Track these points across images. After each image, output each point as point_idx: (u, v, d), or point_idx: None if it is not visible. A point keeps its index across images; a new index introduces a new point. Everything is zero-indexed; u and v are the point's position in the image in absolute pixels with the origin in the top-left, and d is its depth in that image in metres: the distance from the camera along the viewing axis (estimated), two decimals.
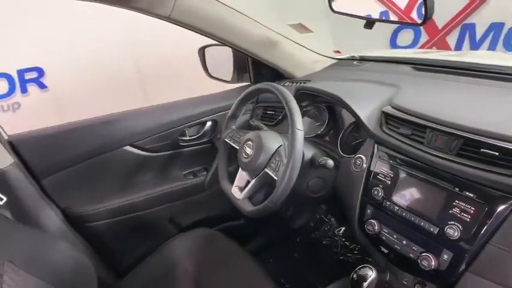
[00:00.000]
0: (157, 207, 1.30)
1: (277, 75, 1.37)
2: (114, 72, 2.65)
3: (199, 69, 1.56)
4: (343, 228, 1.64)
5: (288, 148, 0.84)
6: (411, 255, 0.75)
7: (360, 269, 0.76)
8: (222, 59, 1.50)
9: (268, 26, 1.20)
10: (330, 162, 0.93)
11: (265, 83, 0.99)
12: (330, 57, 1.40)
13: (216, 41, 1.18)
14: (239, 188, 1.02)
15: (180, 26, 1.05)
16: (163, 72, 2.58)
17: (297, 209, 1.66)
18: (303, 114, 1.27)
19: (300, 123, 0.85)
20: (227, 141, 1.09)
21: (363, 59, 1.36)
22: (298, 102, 1.22)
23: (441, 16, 2.49)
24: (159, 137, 1.27)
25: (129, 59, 2.72)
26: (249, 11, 1.12)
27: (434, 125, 0.75)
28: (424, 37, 2.63)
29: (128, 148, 1.23)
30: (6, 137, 1.06)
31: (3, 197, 0.99)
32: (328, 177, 1.03)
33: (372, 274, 0.74)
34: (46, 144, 1.13)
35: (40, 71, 2.69)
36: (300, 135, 0.84)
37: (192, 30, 1.09)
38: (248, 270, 1.09)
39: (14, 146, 1.07)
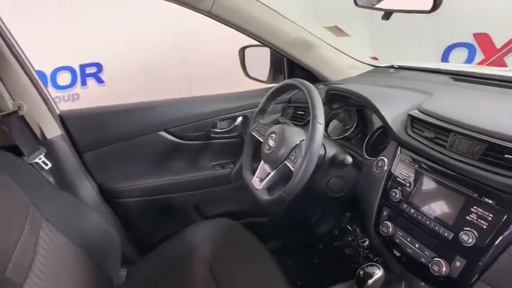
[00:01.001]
0: (184, 193, 1.35)
1: (311, 77, 1.38)
2: (164, 71, 2.80)
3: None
4: (367, 241, 1.60)
5: (307, 140, 0.85)
6: (423, 259, 0.72)
7: (367, 266, 0.74)
8: (260, 59, 1.54)
9: (305, 28, 1.22)
10: (348, 158, 0.93)
11: (293, 79, 1.00)
12: (366, 64, 1.39)
13: (253, 38, 1.22)
14: (259, 179, 1.04)
15: (219, 21, 1.10)
16: (210, 73, 2.66)
17: (322, 214, 1.64)
18: (333, 117, 1.27)
19: (321, 117, 0.85)
20: (253, 134, 1.12)
21: (400, 68, 1.33)
22: (329, 104, 1.24)
23: (500, 35, 2.35)
24: (192, 126, 1.33)
25: (179, 59, 2.86)
26: (287, 11, 1.15)
27: (457, 129, 0.73)
28: (479, 55, 2.50)
29: (163, 133, 1.30)
30: (57, 112, 1.18)
31: (48, 163, 1.09)
32: (349, 178, 1.02)
33: (378, 272, 0.72)
34: (91, 122, 1.24)
35: (99, 67, 2.92)
36: (320, 128, 0.84)
37: (230, 27, 1.14)
38: (264, 266, 1.09)
39: (63, 120, 1.18)
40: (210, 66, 2.67)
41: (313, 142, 0.83)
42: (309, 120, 1.29)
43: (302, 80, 0.97)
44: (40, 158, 1.07)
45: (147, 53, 2.75)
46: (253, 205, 1.51)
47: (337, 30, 1.25)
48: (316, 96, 0.88)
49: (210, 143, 1.39)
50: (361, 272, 0.73)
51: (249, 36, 1.21)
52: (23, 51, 1.05)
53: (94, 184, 1.25)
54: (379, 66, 1.39)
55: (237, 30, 1.17)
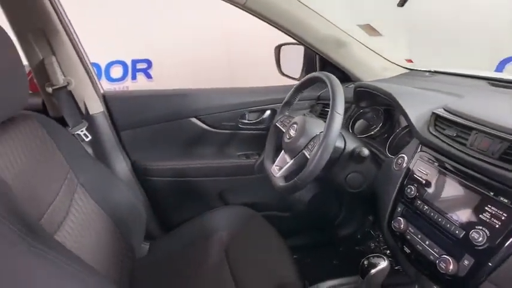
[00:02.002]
0: (209, 178, 1.40)
1: (344, 77, 1.38)
2: (210, 71, 2.89)
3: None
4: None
5: (324, 129, 0.85)
6: (431, 257, 0.70)
7: (372, 256, 0.73)
8: (295, 57, 1.56)
9: (338, 25, 1.22)
10: (365, 151, 0.92)
11: (319, 72, 1.01)
12: (401, 66, 1.36)
13: (286, 33, 1.24)
14: (279, 168, 1.05)
15: (253, 15, 1.14)
16: (254, 74, 2.70)
17: (347, 217, 1.62)
18: (361, 116, 1.26)
19: (340, 108, 0.86)
20: (277, 125, 1.14)
21: (436, 72, 1.29)
22: (357, 102, 1.23)
23: None
24: (222, 115, 1.38)
25: (225, 60, 2.94)
26: (321, 8, 1.16)
27: (479, 127, 0.70)
28: None
29: (194, 120, 1.36)
30: (101, 91, 1.28)
31: (89, 136, 1.18)
32: (368, 174, 1.00)
33: (383, 263, 0.70)
34: (131, 103, 1.32)
35: (149, 63, 3.08)
36: (338, 118, 0.84)
37: (264, 21, 1.17)
38: (278, 256, 1.11)
39: (106, 99, 1.28)
40: (255, 66, 2.71)
41: (329, 131, 0.83)
42: None
43: (327, 73, 0.98)
44: (82, 131, 1.17)
45: (194, 53, 2.85)
46: (276, 198, 1.53)
47: (370, 29, 1.24)
48: (338, 89, 0.89)
49: (237, 133, 1.43)
50: (366, 262, 0.72)
51: (282, 32, 1.23)
52: (76, 33, 1.16)
53: (128, 161, 1.33)
54: (415, 70, 1.35)
55: (271, 24, 1.19)
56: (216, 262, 1.12)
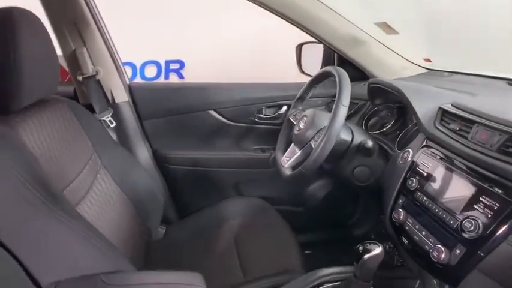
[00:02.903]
0: (225, 169, 1.45)
1: (362, 76, 1.39)
2: (240, 74, 2.95)
3: None
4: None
5: (329, 120, 0.88)
6: (426, 246, 0.71)
7: (368, 243, 0.74)
8: (315, 56, 1.59)
9: (355, 23, 1.24)
10: (369, 142, 0.94)
11: (330, 66, 1.04)
12: (420, 66, 1.35)
13: (303, 31, 1.27)
14: (288, 159, 1.09)
15: (271, 12, 1.18)
16: (284, 78, 2.74)
17: (361, 216, 1.61)
18: (375, 114, 1.27)
19: (345, 100, 0.88)
20: (290, 118, 1.18)
21: (455, 72, 1.27)
22: (372, 99, 1.24)
23: None
24: (239, 109, 1.43)
25: (255, 63, 2.99)
26: (338, 6, 1.18)
27: (480, 120, 0.71)
28: None
29: (213, 112, 1.42)
30: (127, 82, 1.37)
31: (114, 122, 1.27)
32: (375, 168, 1.02)
33: (377, 249, 0.72)
34: (154, 94, 1.41)
35: (182, 64, 3.19)
36: (343, 110, 0.87)
37: (282, 18, 1.21)
38: (286, 249, 1.13)
39: (131, 89, 1.37)
40: (286, 68, 2.74)
41: (333, 122, 0.86)
42: (351, 113, 1.33)
43: (338, 67, 1.00)
44: (107, 117, 1.26)
45: (225, 54, 2.92)
46: (290, 193, 1.56)
47: (387, 27, 1.24)
48: (345, 82, 0.91)
49: (254, 127, 1.47)
50: (361, 248, 0.74)
51: (300, 29, 1.27)
52: (105, 26, 1.25)
53: (149, 148, 1.41)
54: (433, 70, 1.34)
55: (288, 21, 1.23)
56: (225, 247, 1.17)
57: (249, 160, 1.46)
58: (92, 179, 1.02)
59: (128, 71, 1.52)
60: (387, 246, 1.48)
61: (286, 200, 1.56)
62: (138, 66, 3.14)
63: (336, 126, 0.86)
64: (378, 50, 1.33)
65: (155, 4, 2.83)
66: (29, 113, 0.85)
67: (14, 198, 0.69)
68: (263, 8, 1.17)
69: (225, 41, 2.93)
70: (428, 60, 1.32)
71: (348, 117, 1.34)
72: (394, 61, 1.34)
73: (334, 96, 1.41)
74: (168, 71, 3.25)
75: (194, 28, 2.92)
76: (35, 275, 0.64)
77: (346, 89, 0.89)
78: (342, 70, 0.96)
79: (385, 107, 1.23)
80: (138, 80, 3.08)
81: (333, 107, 0.89)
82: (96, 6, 1.21)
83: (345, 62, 1.39)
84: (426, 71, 1.34)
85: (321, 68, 1.56)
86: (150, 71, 3.21)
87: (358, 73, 1.38)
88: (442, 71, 1.30)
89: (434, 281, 0.80)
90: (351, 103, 1.33)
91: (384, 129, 1.16)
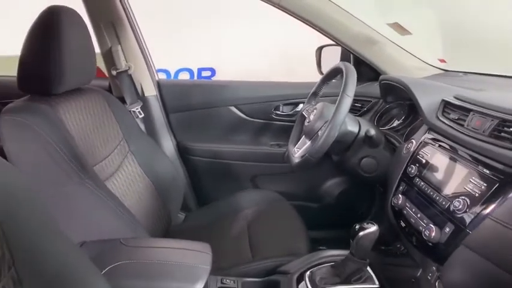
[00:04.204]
0: (242, 162, 1.51)
1: (377, 77, 1.41)
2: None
3: None
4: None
5: (334, 109, 0.92)
6: (420, 227, 0.74)
7: (365, 223, 0.77)
8: (334, 58, 1.63)
9: (369, 24, 1.27)
10: (372, 131, 0.97)
11: (340, 62, 1.08)
12: (435, 67, 1.35)
13: (320, 32, 1.32)
14: (298, 149, 1.14)
15: (288, 13, 1.24)
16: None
17: (377, 215, 1.61)
18: (387, 111, 1.29)
19: (350, 91, 0.92)
20: (303, 113, 1.23)
21: (470, 73, 1.27)
22: (384, 97, 1.26)
23: None
24: (258, 106, 1.49)
25: (284, 70, 3.07)
26: (353, 6, 1.23)
27: (475, 107, 0.73)
28: None
29: (233, 108, 1.50)
30: (156, 79, 1.48)
31: (142, 113, 1.38)
32: (381, 159, 1.04)
33: (372, 228, 0.75)
34: (180, 90, 1.51)
35: (213, 71, 3.33)
36: (347, 100, 0.91)
37: (298, 19, 1.27)
38: (295, 235, 1.16)
39: (159, 85, 1.47)
40: (314, 78, 2.78)
41: (338, 111, 0.90)
42: (365, 110, 1.36)
43: (347, 63, 1.04)
44: (137, 109, 1.37)
45: (255, 63, 3.02)
46: (305, 189, 1.59)
47: (399, 28, 1.26)
48: (351, 75, 0.95)
49: (271, 124, 1.53)
50: (357, 227, 0.77)
51: (317, 30, 1.32)
52: (139, 27, 1.37)
53: (174, 139, 1.51)
54: (449, 70, 1.34)
55: (305, 23, 1.29)
56: (238, 232, 1.23)
57: (265, 155, 1.52)
58: (120, 161, 1.12)
59: (162, 78, 1.63)
60: (401, 246, 1.48)
61: (301, 195, 1.59)
62: (172, 73, 3.30)
63: (340, 115, 0.90)
64: (392, 50, 1.35)
65: (190, 16, 2.99)
66: (68, 97, 0.96)
67: (50, 164, 0.80)
68: (284, 11, 1.23)
69: (253, 50, 3.04)
70: (443, 61, 1.33)
71: (362, 114, 1.38)
72: (408, 61, 1.35)
73: (353, 96, 1.47)
74: (200, 77, 3.39)
75: (225, 37, 3.05)
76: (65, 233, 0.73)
77: (351, 82, 0.93)
78: (350, 65, 1.01)
79: (397, 105, 1.25)
80: None
81: (338, 98, 0.93)
82: (131, 10, 1.33)
83: (361, 63, 1.42)
84: (441, 71, 1.34)
85: None
86: (184, 78, 3.37)
87: (373, 73, 1.40)
88: (457, 71, 1.30)
89: (434, 267, 0.81)
90: (365, 101, 1.39)
91: (394, 125, 1.18)
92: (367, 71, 1.44)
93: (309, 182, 1.59)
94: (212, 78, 3.34)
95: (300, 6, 1.23)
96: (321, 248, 1.21)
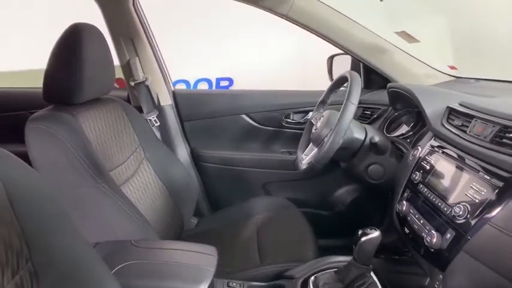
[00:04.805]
0: (254, 169, 1.53)
1: (386, 85, 1.41)
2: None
3: None
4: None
5: (338, 116, 0.93)
6: (422, 233, 0.73)
7: (368, 228, 0.77)
8: (345, 67, 1.64)
9: (377, 33, 1.28)
10: (376, 137, 0.97)
11: (346, 71, 1.09)
12: (445, 74, 1.34)
13: (328, 42, 1.34)
14: (306, 156, 1.15)
15: (295, 24, 1.27)
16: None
17: (390, 224, 1.59)
18: (396, 118, 1.28)
19: (355, 99, 0.93)
20: (312, 121, 1.24)
21: (482, 79, 1.25)
22: (393, 105, 1.26)
23: None
24: (268, 114, 1.52)
25: (301, 80, 3.09)
26: (361, 16, 1.24)
27: (477, 114, 0.73)
28: None
29: (244, 116, 1.53)
30: (172, 89, 1.53)
31: (158, 122, 1.44)
32: (388, 166, 1.04)
33: (374, 233, 0.75)
34: (194, 99, 1.55)
35: (231, 81, 3.39)
36: (351, 107, 0.92)
37: (306, 30, 1.29)
38: (302, 242, 1.17)
39: (174, 94, 1.52)
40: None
41: (342, 118, 0.91)
42: (375, 117, 1.35)
43: (353, 72, 1.05)
44: (153, 117, 1.42)
45: (272, 73, 3.05)
46: (317, 196, 1.59)
47: (406, 36, 1.25)
48: (356, 83, 0.96)
49: (282, 131, 1.55)
50: (360, 232, 0.77)
51: (324, 40, 1.33)
52: (155, 40, 1.44)
53: (188, 147, 1.55)
54: (460, 77, 1.32)
55: (313, 33, 1.31)
56: (247, 238, 1.24)
57: (277, 162, 1.53)
58: (135, 167, 1.16)
59: (182, 88, 1.68)
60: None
61: (313, 202, 1.59)
62: (192, 83, 3.38)
63: (344, 122, 0.91)
64: (401, 58, 1.35)
65: (208, 27, 3.07)
66: (88, 106, 1.01)
67: (68, 169, 0.85)
68: (291, 22, 1.26)
69: (270, 59, 3.08)
70: (454, 68, 1.31)
71: (372, 121, 1.38)
72: (417, 69, 1.34)
73: (360, 102, 1.47)
74: (218, 87, 3.46)
75: (242, 48, 3.11)
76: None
77: (356, 90, 0.94)
78: (355, 74, 1.02)
79: (406, 112, 1.24)
80: None
81: (343, 105, 0.94)
82: (149, 25, 1.40)
83: (371, 71, 1.43)
84: (452, 78, 1.33)
85: None
86: (202, 88, 3.45)
87: (384, 81, 1.40)
88: (468, 78, 1.28)
89: (441, 276, 0.80)
90: (374, 108, 1.39)
91: (403, 132, 1.17)
92: (377, 78, 1.44)
93: (320, 189, 1.58)
94: (230, 87, 3.40)
95: (306, 16, 1.25)
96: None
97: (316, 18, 1.25)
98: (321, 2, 1.23)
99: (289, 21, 1.25)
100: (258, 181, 1.57)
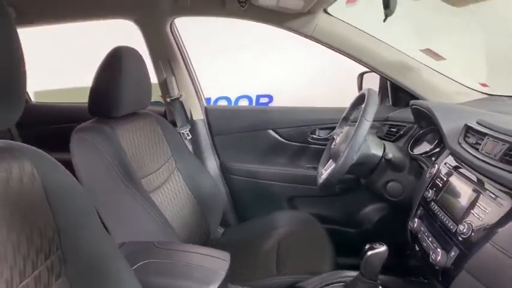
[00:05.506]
0: (279, 183, 1.57)
1: None
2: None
3: None
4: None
5: (353, 132, 0.94)
6: (430, 251, 0.72)
7: (375, 244, 0.77)
8: (375, 84, 1.63)
9: (403, 51, 1.27)
10: (389, 154, 0.96)
11: (366, 88, 1.10)
12: (477, 91, 1.29)
13: (354, 60, 1.36)
14: (325, 171, 1.16)
15: (321, 44, 1.31)
16: None
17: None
18: (421, 136, 1.25)
19: (369, 116, 0.94)
20: (334, 137, 1.25)
21: None
22: (418, 122, 1.24)
23: None
24: (295, 130, 1.55)
25: (338, 99, 3.11)
26: (387, 35, 1.25)
27: (489, 132, 0.71)
28: None
29: (271, 132, 1.58)
30: (204, 105, 1.63)
31: (190, 135, 1.53)
32: (407, 184, 1.02)
33: (381, 248, 0.74)
34: (224, 115, 1.64)
35: (271, 98, 3.48)
36: (365, 124, 0.93)
37: (332, 49, 1.32)
38: (321, 260, 1.15)
39: (206, 110, 1.62)
40: None
41: (356, 134, 0.93)
42: (401, 134, 1.33)
43: (372, 88, 1.06)
44: (186, 131, 1.52)
45: (310, 90, 3.10)
46: (342, 213, 1.58)
47: (432, 53, 1.23)
48: (372, 101, 0.97)
49: (308, 147, 1.57)
50: (367, 246, 0.77)
51: (350, 59, 1.36)
52: (190, 60, 1.56)
53: (217, 159, 1.63)
54: (493, 95, 1.26)
55: (339, 52, 1.34)
56: (268, 249, 1.27)
57: (302, 177, 1.55)
58: (166, 176, 1.25)
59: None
60: None
61: (338, 219, 1.58)
62: (233, 100, 3.52)
63: (358, 138, 0.92)
64: (429, 76, 1.32)
65: (248, 47, 3.21)
66: (126, 120, 1.13)
67: (104, 176, 0.95)
68: (317, 42, 1.30)
69: (307, 77, 3.13)
70: (485, 85, 1.26)
71: (397, 139, 1.35)
72: (447, 86, 1.31)
73: (387, 120, 1.46)
74: (258, 104, 3.57)
75: (282, 66, 3.19)
76: (111, 234, 0.86)
77: (371, 107, 0.96)
78: (373, 91, 1.03)
79: (431, 130, 1.21)
80: None
81: (357, 122, 0.95)
82: (185, 47, 1.53)
83: (399, 89, 1.41)
84: (484, 96, 1.27)
85: (378, 94, 1.60)
86: (243, 104, 3.57)
87: (411, 99, 1.37)
88: (501, 95, 1.22)
89: None
90: (400, 126, 1.36)
91: (427, 150, 1.14)
92: (405, 96, 1.42)
93: (346, 206, 1.57)
94: (269, 104, 3.48)
95: (330, 37, 1.29)
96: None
97: (340, 38, 1.29)
98: (344, 22, 1.27)
99: (315, 41, 1.29)
100: (283, 195, 1.60)
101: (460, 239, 0.63)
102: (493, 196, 0.61)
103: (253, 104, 3.49)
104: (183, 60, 1.51)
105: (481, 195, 0.65)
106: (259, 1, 1.13)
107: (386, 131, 1.42)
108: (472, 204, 0.65)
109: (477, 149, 0.73)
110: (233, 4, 1.25)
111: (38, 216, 0.52)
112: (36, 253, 0.51)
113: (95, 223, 0.64)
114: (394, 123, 1.39)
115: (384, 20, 0.84)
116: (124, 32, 1.46)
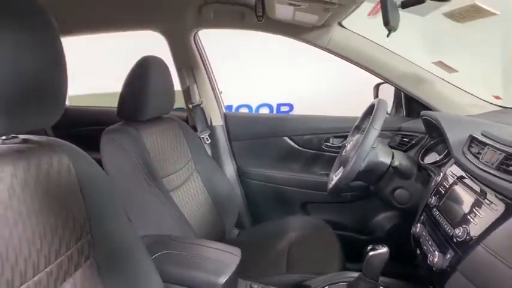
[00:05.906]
0: (293, 188, 1.61)
1: None
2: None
3: None
4: None
5: (361, 140, 0.99)
6: (428, 253, 0.75)
7: (377, 245, 0.80)
8: (390, 95, 1.66)
9: (417, 63, 1.30)
10: (396, 162, 0.99)
11: (377, 99, 1.14)
12: (491, 103, 1.30)
13: (368, 72, 1.40)
14: (335, 177, 1.20)
15: (336, 55, 1.36)
16: None
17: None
18: (432, 146, 1.27)
19: (378, 124, 0.98)
20: (346, 144, 1.29)
21: None
22: (429, 133, 1.26)
23: None
24: (309, 137, 1.60)
25: (357, 109, 3.13)
26: (401, 47, 1.28)
27: (489, 141, 0.74)
28: None
29: (286, 139, 1.63)
30: (224, 111, 1.72)
31: (209, 140, 1.62)
32: (414, 191, 1.05)
33: (382, 249, 0.78)
34: (242, 121, 1.71)
35: (291, 107, 3.53)
36: (373, 132, 0.97)
37: (346, 61, 1.37)
38: (330, 262, 1.19)
39: (225, 116, 1.70)
40: None
41: (363, 142, 0.97)
42: (413, 143, 1.36)
43: (382, 99, 1.10)
44: (205, 136, 1.60)
45: (330, 99, 3.14)
46: (355, 220, 1.60)
47: (443, 66, 1.25)
48: (380, 110, 1.02)
49: (322, 154, 1.61)
50: (369, 247, 0.80)
51: (365, 70, 1.40)
52: (211, 68, 1.64)
53: (234, 164, 1.70)
54: (506, 107, 1.27)
55: (353, 64, 1.39)
56: (280, 250, 1.32)
57: (315, 183, 1.59)
58: (186, 177, 1.33)
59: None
60: None
61: (351, 226, 1.60)
62: (254, 108, 3.59)
63: (366, 146, 0.97)
64: (442, 88, 1.35)
65: (270, 56, 3.29)
66: (151, 123, 1.22)
67: (129, 174, 1.04)
68: (331, 53, 1.36)
69: (327, 86, 3.18)
70: (498, 98, 1.27)
71: (408, 149, 1.38)
72: (460, 98, 1.33)
73: (400, 130, 1.48)
74: (279, 112, 3.63)
75: (302, 75, 3.25)
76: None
77: (379, 116, 1.00)
78: (383, 101, 1.07)
79: (441, 140, 1.23)
80: None
81: (365, 130, 1.00)
82: (207, 56, 1.62)
83: (412, 99, 1.44)
84: (497, 108, 1.28)
85: (393, 105, 1.63)
86: (264, 112, 3.64)
87: (422, 108, 1.40)
88: None
89: None
90: (412, 136, 1.39)
91: (437, 159, 1.16)
92: (418, 107, 1.44)
93: (359, 213, 1.59)
94: (290, 112, 3.54)
95: (345, 48, 1.34)
96: None
97: (354, 50, 1.34)
98: (358, 34, 1.32)
99: (330, 53, 1.35)
100: (297, 200, 1.65)
101: (456, 241, 0.66)
102: (487, 202, 0.64)
103: (274, 111, 3.56)
104: (205, 69, 1.60)
105: (479, 201, 0.68)
106: (275, 15, 1.20)
107: (399, 141, 1.44)
108: (470, 210, 0.69)
109: (478, 158, 0.76)
110: (251, 18, 1.32)
111: (72, 204, 0.60)
112: (70, 236, 0.59)
113: (120, 214, 0.72)
114: (407, 133, 1.41)
115: (388, 35, 0.88)
116: (152, 42, 1.57)
